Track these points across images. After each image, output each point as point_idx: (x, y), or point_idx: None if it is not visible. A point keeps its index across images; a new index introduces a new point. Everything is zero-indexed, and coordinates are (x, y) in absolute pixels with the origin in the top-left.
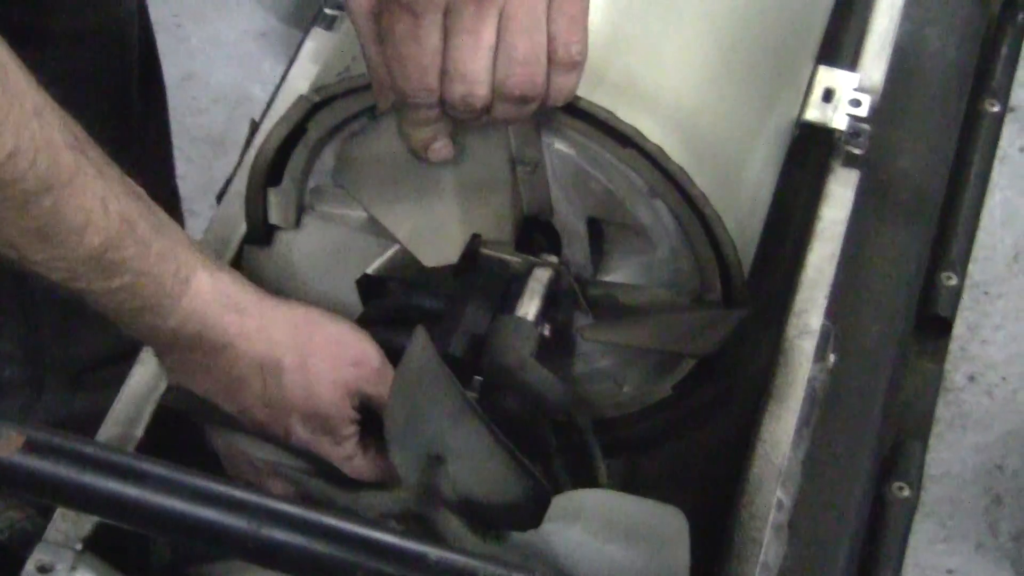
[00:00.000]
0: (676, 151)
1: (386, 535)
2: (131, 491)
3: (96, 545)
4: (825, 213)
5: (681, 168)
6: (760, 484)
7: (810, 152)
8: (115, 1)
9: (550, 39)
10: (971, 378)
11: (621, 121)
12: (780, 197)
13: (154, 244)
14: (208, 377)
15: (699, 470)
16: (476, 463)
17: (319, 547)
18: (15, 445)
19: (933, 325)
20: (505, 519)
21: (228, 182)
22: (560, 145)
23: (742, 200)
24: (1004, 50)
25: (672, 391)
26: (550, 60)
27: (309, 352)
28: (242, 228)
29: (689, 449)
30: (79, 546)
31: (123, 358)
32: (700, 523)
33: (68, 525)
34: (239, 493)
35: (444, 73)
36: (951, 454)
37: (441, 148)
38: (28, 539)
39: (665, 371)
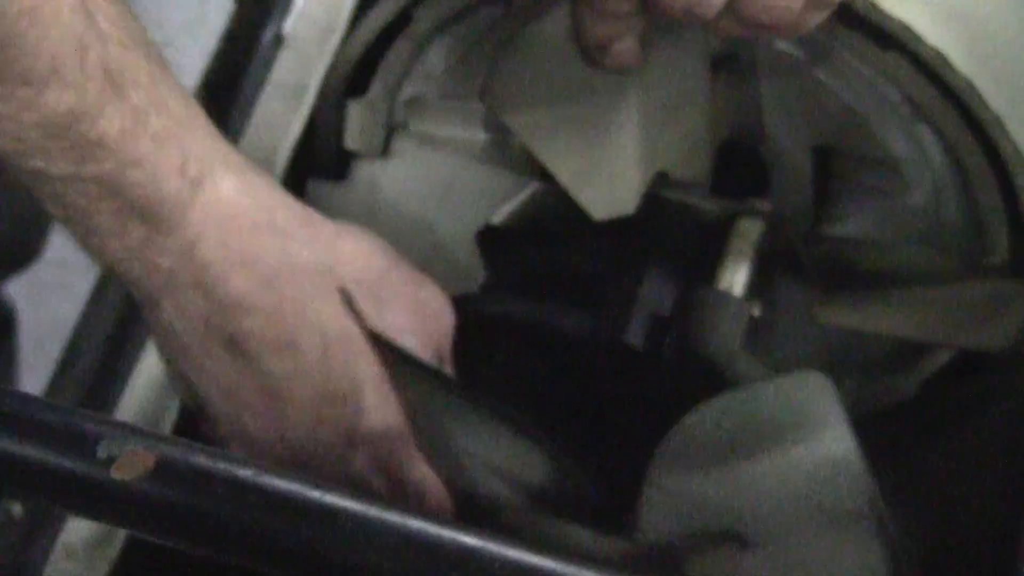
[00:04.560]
0: (960, 57)
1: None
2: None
3: None
4: None
5: (969, 81)
6: None
7: None
8: None
9: None
10: None
11: (883, 12)
12: None
13: (152, 120)
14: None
15: (953, 489)
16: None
17: None
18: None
19: None
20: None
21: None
22: (782, 43)
23: None
24: None
25: (918, 390)
26: None
27: (385, 297)
28: (284, 150)
29: (938, 463)
30: None
31: None
32: (962, 561)
33: (74, 566)
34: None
35: None
36: None
37: (626, 51)
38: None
39: (907, 362)
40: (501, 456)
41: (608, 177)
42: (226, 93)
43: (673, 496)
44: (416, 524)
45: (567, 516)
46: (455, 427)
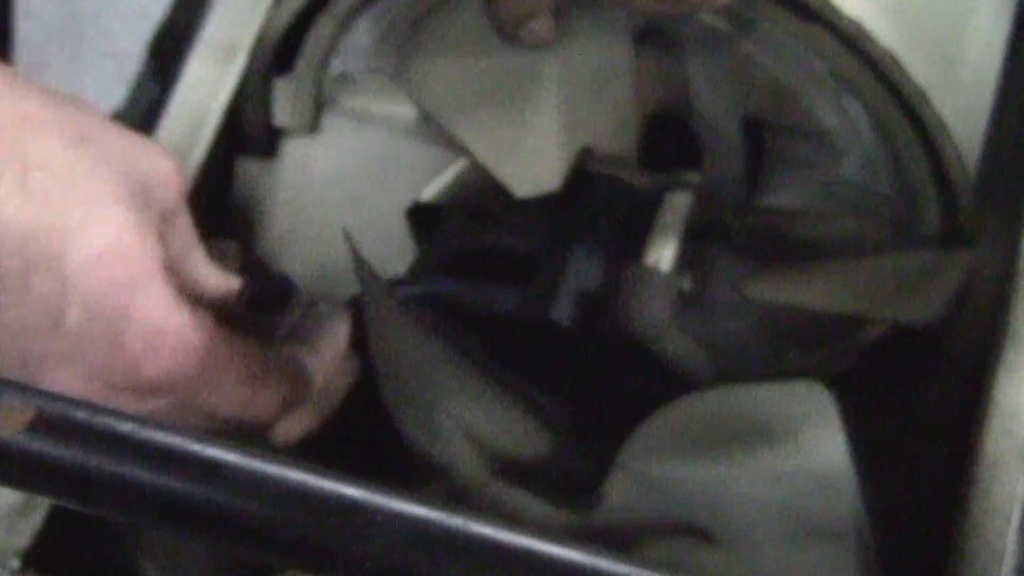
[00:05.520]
0: (882, 28)
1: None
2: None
3: (40, 560)
4: None
5: (889, 53)
6: (997, 468)
7: None
8: None
9: None
10: None
11: None
12: (1008, 82)
13: None
14: None
15: (892, 462)
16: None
17: None
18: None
19: None
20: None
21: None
22: (706, 16)
23: (963, 93)
24: None
25: (857, 361)
26: None
27: (98, 155)
28: (215, 112)
29: (877, 435)
30: (16, 563)
31: None
32: (904, 531)
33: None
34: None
35: None
36: None
37: (539, 28)
38: None
39: (845, 333)
40: (486, 421)
41: (529, 154)
42: (172, 55)
43: (642, 480)
44: (297, 476)
45: (547, 491)
46: (440, 381)
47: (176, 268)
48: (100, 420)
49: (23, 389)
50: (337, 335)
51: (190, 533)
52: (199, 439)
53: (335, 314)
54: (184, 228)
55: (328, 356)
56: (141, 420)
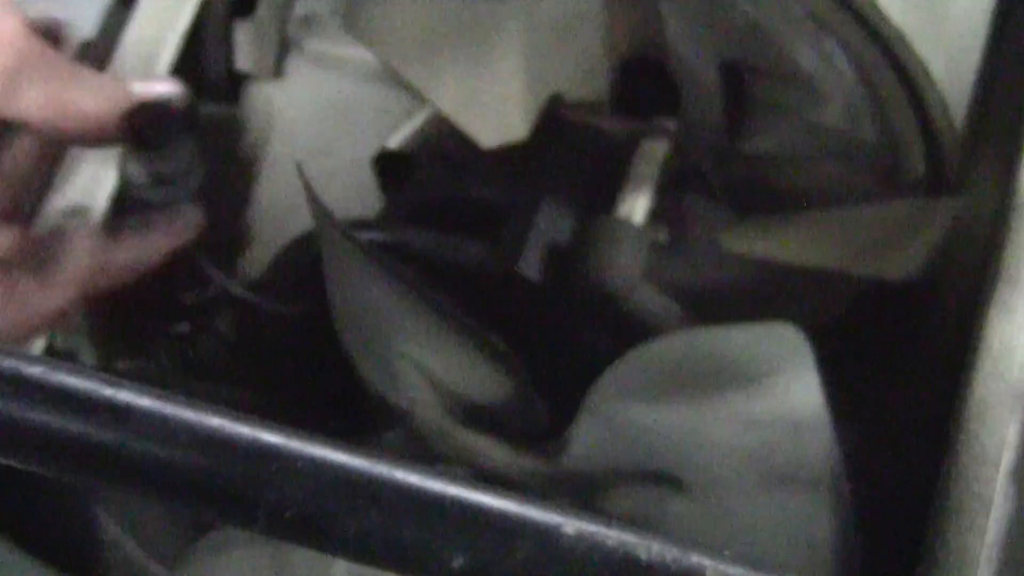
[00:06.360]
0: None
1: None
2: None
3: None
4: None
5: None
6: (986, 411)
7: None
8: None
9: None
10: None
11: None
12: (1000, 24)
13: None
14: None
15: (878, 410)
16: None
17: None
18: None
19: None
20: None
21: None
22: None
23: (949, 35)
24: None
25: (841, 315)
26: None
27: None
28: (170, 44)
29: (864, 382)
30: None
31: None
32: (889, 479)
33: None
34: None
35: None
36: None
37: None
38: None
39: (830, 282)
40: (444, 364)
41: (493, 103)
42: None
43: (611, 424)
44: (214, 421)
45: (508, 436)
46: (399, 323)
47: (62, 101)
48: (7, 363)
49: None
50: (77, 261)
51: (101, 481)
52: (111, 383)
53: (82, 234)
54: (54, 62)
55: (61, 284)
56: (50, 362)
